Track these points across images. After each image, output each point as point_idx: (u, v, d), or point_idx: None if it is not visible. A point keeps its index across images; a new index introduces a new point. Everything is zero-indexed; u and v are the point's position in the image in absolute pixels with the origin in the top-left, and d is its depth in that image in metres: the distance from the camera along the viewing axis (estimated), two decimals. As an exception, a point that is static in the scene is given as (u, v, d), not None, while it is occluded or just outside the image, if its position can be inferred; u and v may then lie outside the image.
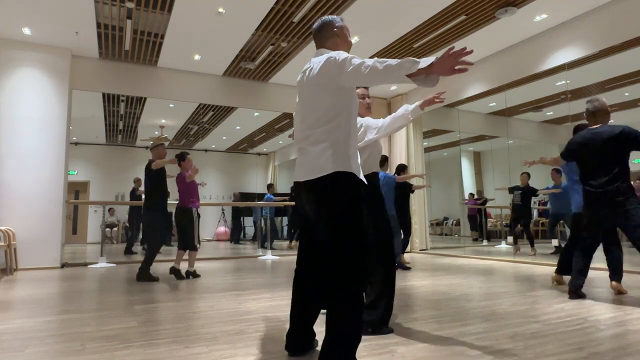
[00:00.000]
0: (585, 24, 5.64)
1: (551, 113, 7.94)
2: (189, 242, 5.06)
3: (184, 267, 5.69)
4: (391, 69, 1.71)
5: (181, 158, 5.21)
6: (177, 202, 5.16)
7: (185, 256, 5.24)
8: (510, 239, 8.77)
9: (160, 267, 6.19)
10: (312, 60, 2.08)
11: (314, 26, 2.19)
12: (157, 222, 4.94)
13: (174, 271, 5.00)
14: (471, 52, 1.67)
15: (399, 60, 1.72)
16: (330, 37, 2.12)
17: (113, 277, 5.17)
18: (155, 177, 4.96)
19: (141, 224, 9.35)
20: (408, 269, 5.79)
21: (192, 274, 5.10)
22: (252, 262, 6.95)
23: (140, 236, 9.37)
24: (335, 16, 2.18)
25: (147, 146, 12.35)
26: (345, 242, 1.82)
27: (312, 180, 1.89)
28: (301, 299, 2.13)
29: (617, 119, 3.99)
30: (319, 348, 2.24)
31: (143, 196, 8.57)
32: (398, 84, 1.91)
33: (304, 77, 2.06)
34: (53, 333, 2.61)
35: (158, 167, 4.90)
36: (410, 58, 1.71)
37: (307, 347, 2.19)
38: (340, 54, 1.89)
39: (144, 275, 4.79)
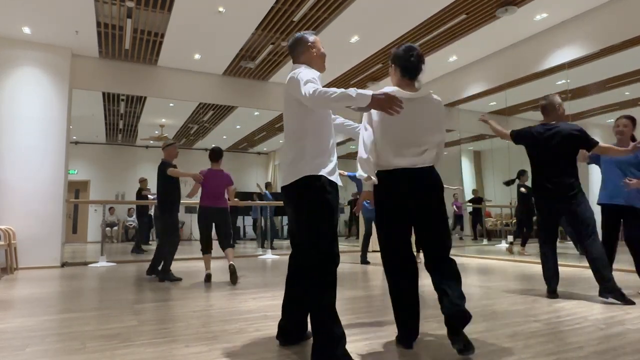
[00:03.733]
0: (586, 23, 5.64)
1: (551, 112, 7.92)
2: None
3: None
4: (338, 97, 1.92)
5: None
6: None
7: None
8: (510, 238, 8.76)
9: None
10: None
11: (288, 43, 2.35)
12: (173, 222, 4.92)
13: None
14: (399, 111, 1.97)
15: (343, 91, 1.92)
16: (304, 52, 2.29)
17: (113, 276, 5.17)
18: (165, 177, 4.86)
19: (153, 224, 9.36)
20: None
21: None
22: (252, 261, 6.95)
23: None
24: (307, 32, 2.34)
25: (147, 145, 12.36)
26: (317, 233, 2.05)
27: (287, 185, 2.14)
28: (293, 287, 2.31)
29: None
30: (310, 340, 2.36)
31: (150, 197, 8.63)
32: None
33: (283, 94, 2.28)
34: (53, 332, 2.62)
35: (173, 175, 4.81)
36: (351, 93, 1.91)
37: (298, 337, 2.34)
38: (301, 75, 2.06)
39: (167, 275, 4.75)
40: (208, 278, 4.68)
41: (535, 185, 3.68)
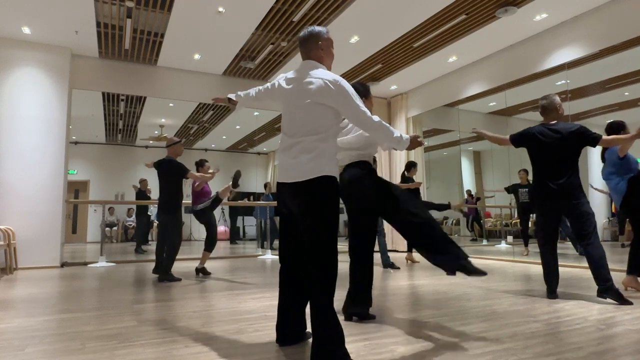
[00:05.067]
0: (585, 23, 5.64)
1: (551, 113, 7.92)
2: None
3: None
4: (390, 137, 2.27)
5: (200, 165, 5.47)
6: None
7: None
8: (510, 238, 8.76)
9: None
10: (305, 72, 2.21)
11: (301, 35, 2.32)
12: (178, 222, 5.00)
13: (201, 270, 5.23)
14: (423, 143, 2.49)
15: (398, 134, 2.29)
16: (314, 49, 2.27)
17: (113, 277, 5.17)
18: (179, 178, 4.94)
19: (155, 224, 9.37)
20: (397, 268, 5.81)
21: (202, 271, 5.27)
22: (252, 262, 6.95)
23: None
24: (322, 28, 2.30)
25: (147, 145, 12.35)
26: (325, 232, 2.07)
27: (300, 182, 2.10)
28: (287, 290, 2.29)
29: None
30: (310, 341, 2.34)
31: (151, 196, 8.64)
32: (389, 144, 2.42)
33: (295, 88, 2.21)
34: (53, 332, 2.61)
35: (196, 179, 5.05)
36: (401, 139, 2.31)
37: (297, 338, 2.32)
38: (352, 92, 2.15)
39: (167, 276, 4.77)
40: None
41: (536, 186, 3.67)
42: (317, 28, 2.29)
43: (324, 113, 2.14)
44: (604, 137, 3.51)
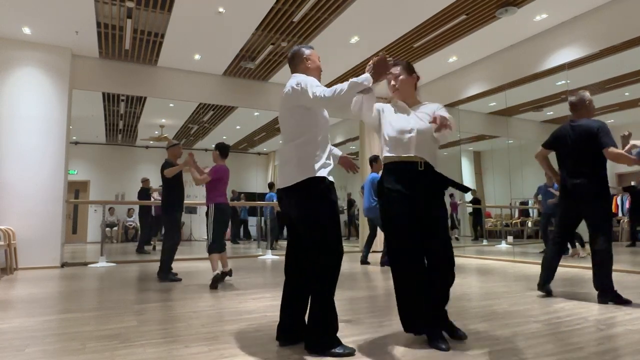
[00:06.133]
0: (586, 23, 5.64)
1: (551, 113, 7.94)
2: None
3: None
4: (348, 93, 2.08)
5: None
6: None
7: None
8: (510, 238, 8.76)
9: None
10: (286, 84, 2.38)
11: (288, 55, 2.49)
12: (178, 222, 4.97)
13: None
14: (391, 60, 2.14)
15: (349, 82, 2.07)
16: (299, 63, 2.42)
17: (113, 277, 5.17)
18: (173, 177, 4.91)
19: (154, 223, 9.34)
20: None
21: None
22: (252, 262, 6.95)
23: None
24: (305, 45, 2.47)
25: (147, 145, 12.36)
26: (319, 229, 2.15)
27: (288, 187, 2.23)
28: (291, 291, 2.34)
29: (617, 119, 3.98)
30: None
31: (154, 196, 8.63)
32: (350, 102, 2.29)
33: (280, 99, 2.39)
34: (53, 332, 2.61)
35: (170, 176, 4.84)
36: (355, 82, 2.07)
37: (297, 338, 2.34)
38: (305, 82, 2.19)
39: (167, 275, 4.76)
40: (230, 274, 4.66)
41: (560, 185, 3.56)
42: (301, 46, 2.47)
43: (302, 115, 2.24)
44: (611, 149, 3.22)
